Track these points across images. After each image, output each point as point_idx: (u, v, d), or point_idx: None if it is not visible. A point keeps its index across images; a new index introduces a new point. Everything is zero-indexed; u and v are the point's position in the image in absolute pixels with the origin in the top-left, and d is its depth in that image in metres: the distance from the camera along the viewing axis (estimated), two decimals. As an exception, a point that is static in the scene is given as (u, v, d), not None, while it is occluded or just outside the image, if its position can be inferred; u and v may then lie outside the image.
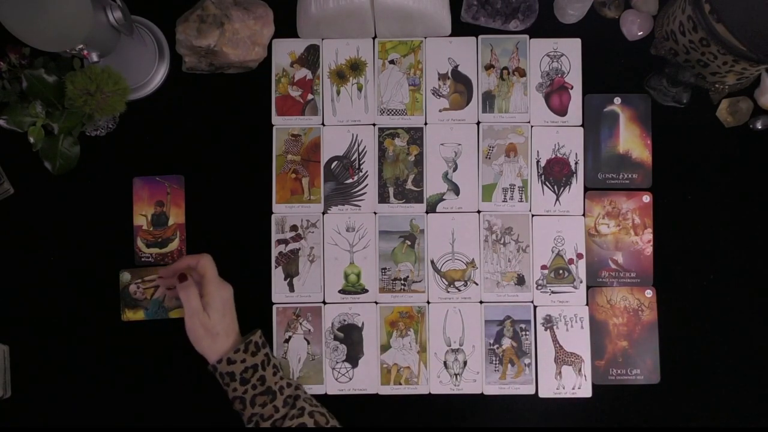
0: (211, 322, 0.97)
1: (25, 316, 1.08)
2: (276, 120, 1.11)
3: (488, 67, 1.12)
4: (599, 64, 1.12)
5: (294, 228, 1.10)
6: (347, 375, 1.08)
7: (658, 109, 1.11)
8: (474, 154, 1.11)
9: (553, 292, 1.09)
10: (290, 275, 1.09)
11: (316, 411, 0.97)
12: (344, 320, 1.09)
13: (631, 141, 1.11)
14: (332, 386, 1.08)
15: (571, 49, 1.12)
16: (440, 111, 1.11)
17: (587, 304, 1.09)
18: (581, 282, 1.10)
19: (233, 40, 1.07)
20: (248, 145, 1.11)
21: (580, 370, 1.08)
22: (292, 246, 1.10)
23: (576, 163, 1.11)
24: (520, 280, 1.09)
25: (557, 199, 1.10)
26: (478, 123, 1.11)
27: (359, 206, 1.10)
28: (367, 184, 1.11)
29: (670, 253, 1.10)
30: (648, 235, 1.10)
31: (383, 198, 1.10)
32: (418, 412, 1.08)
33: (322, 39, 1.12)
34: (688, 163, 1.11)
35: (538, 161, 1.11)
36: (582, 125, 1.11)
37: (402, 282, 1.09)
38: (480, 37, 1.12)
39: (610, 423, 1.08)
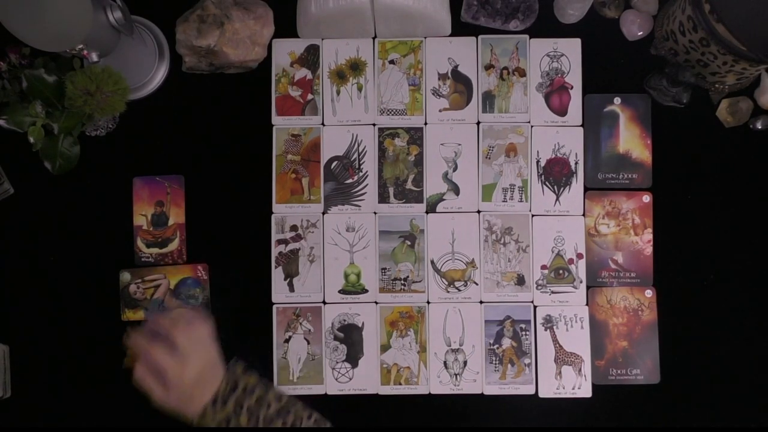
0: (184, 389, 0.83)
1: (25, 316, 1.08)
2: (276, 120, 1.11)
3: (488, 67, 1.12)
4: (599, 64, 1.12)
5: (294, 228, 1.10)
6: (347, 375, 1.08)
7: (658, 109, 1.11)
8: (474, 154, 1.11)
9: (553, 292, 1.09)
10: (290, 275, 1.09)
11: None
12: (344, 320, 1.09)
13: (631, 141, 1.11)
14: (332, 386, 1.08)
15: (571, 49, 1.12)
16: (440, 111, 1.11)
17: (587, 304, 1.09)
18: (581, 282, 1.10)
19: (233, 40, 1.07)
20: (248, 145, 1.11)
21: (580, 370, 1.08)
22: (292, 246, 1.10)
23: (576, 163, 1.11)
24: (520, 280, 1.09)
25: (557, 199, 1.10)
26: (478, 123, 1.11)
27: (359, 206, 1.10)
28: (367, 184, 1.11)
29: (670, 253, 1.10)
30: (648, 235, 1.10)
31: (383, 198, 1.10)
32: (418, 412, 1.08)
33: (322, 39, 1.12)
34: (688, 163, 1.11)
35: (538, 161, 1.11)
36: (582, 125, 1.11)
37: (402, 282, 1.09)
38: (480, 37, 1.12)
39: (610, 423, 1.08)
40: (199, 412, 0.84)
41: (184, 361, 0.83)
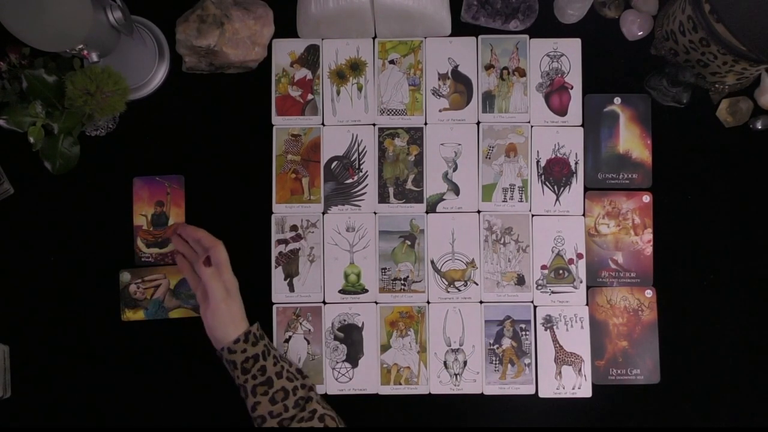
0: (235, 309, 1.00)
1: (25, 316, 1.08)
2: (276, 120, 1.11)
3: (488, 67, 1.12)
4: (599, 64, 1.12)
5: (294, 228, 1.10)
6: (347, 375, 1.08)
7: (658, 109, 1.11)
8: (474, 154, 1.11)
9: (553, 292, 1.09)
10: (290, 275, 1.09)
11: (327, 414, 0.97)
12: (344, 320, 1.09)
13: (631, 141, 1.11)
14: (332, 386, 1.08)
15: (571, 49, 1.12)
16: (440, 111, 1.11)
17: (587, 304, 1.09)
18: (581, 282, 1.10)
19: (233, 40, 1.07)
20: (248, 145, 1.11)
21: (580, 370, 1.08)
22: (292, 246, 1.10)
23: (576, 163, 1.11)
24: (520, 280, 1.09)
25: (557, 199, 1.10)
26: (478, 123, 1.11)
27: (359, 206, 1.10)
28: (367, 184, 1.11)
29: (670, 253, 1.10)
30: (648, 235, 1.10)
31: (383, 198, 1.10)
32: (418, 412, 1.08)
33: (322, 39, 1.12)
34: (688, 163, 1.11)
35: (538, 161, 1.11)
36: (582, 125, 1.11)
37: (402, 282, 1.09)
38: (480, 37, 1.12)
39: (610, 423, 1.08)
40: (230, 340, 0.98)
41: (229, 296, 1.00)
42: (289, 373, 0.99)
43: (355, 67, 1.12)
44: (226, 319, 0.99)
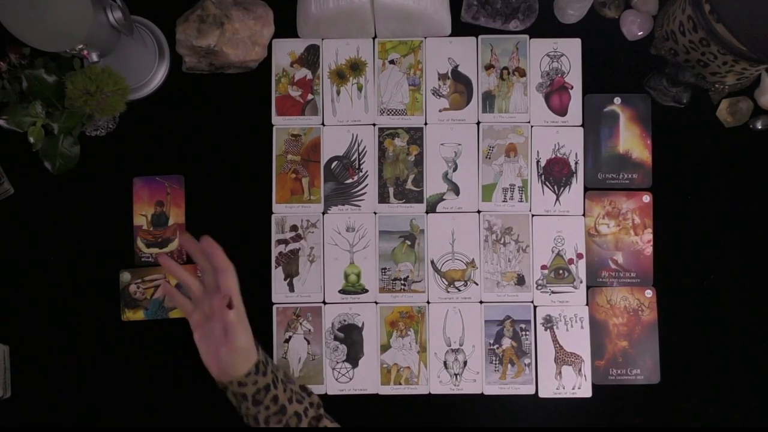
0: (247, 345, 0.92)
1: (25, 316, 1.08)
2: (276, 120, 1.11)
3: (488, 67, 1.12)
4: (599, 64, 1.12)
5: (294, 228, 1.10)
6: (347, 375, 1.08)
7: (658, 109, 1.11)
8: (474, 154, 1.11)
9: (553, 292, 1.09)
10: (290, 275, 1.09)
11: (336, 429, 0.95)
12: (344, 320, 1.09)
13: (631, 141, 1.11)
14: (332, 386, 1.08)
15: (571, 49, 1.12)
16: (440, 111, 1.11)
17: (587, 304, 1.09)
18: (581, 282, 1.10)
19: (233, 40, 1.07)
20: (248, 145, 1.11)
21: (580, 370, 1.08)
22: (292, 246, 1.10)
23: (576, 163, 1.11)
24: (520, 280, 1.09)
25: (557, 199, 1.10)
26: (478, 123, 1.11)
27: (359, 206, 1.10)
28: (367, 184, 1.11)
29: (670, 253, 1.10)
30: (648, 235, 1.10)
31: (383, 198, 1.10)
32: (418, 412, 1.08)
33: (322, 39, 1.12)
34: (688, 163, 1.11)
35: (538, 161, 1.11)
36: (582, 125, 1.11)
37: (402, 282, 1.09)
38: (480, 37, 1.12)
39: (610, 423, 1.08)
40: (241, 374, 0.91)
41: (245, 327, 0.92)
42: (297, 394, 0.95)
43: (355, 67, 1.12)
44: (241, 356, 0.92)
